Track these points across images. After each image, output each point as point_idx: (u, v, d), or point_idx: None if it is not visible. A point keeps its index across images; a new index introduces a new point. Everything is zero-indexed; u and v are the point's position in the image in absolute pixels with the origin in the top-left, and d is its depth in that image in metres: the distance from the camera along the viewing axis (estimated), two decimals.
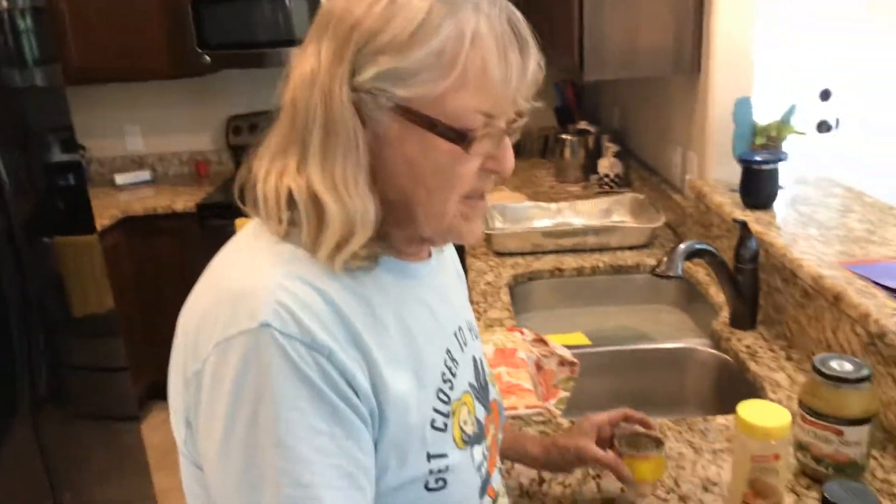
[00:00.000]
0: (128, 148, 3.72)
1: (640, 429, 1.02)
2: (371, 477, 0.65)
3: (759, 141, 1.82)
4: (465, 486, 0.74)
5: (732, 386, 1.45)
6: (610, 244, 2.07)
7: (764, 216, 1.67)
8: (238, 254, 0.71)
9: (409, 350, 0.71)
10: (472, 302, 1.79)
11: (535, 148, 3.46)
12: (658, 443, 1.00)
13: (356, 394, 0.63)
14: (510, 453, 1.03)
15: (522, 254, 2.08)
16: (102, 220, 2.91)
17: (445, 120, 0.65)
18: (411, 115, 0.65)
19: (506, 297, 1.81)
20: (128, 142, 3.71)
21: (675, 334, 1.79)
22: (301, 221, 0.66)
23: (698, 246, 1.45)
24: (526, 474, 1.09)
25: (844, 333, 1.25)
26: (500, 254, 2.10)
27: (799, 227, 1.58)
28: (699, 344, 1.59)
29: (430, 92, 0.64)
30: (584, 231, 2.07)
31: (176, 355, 0.68)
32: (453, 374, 0.76)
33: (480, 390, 0.83)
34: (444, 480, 0.71)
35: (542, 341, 1.52)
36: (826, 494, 0.79)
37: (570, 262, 2.01)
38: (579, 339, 1.75)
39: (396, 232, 0.73)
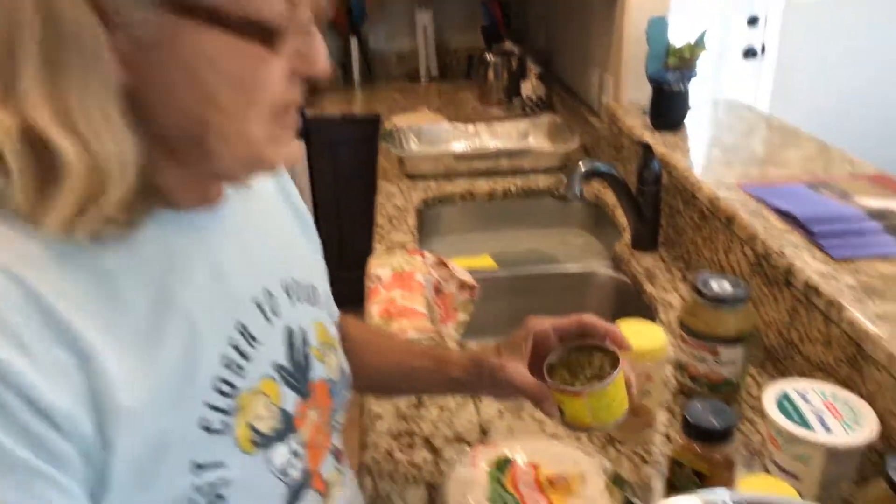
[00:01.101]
0: None
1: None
2: None
3: (672, 62, 1.78)
4: (256, 499, 0.59)
5: (628, 307, 1.45)
6: (523, 167, 2.03)
7: (671, 138, 1.64)
8: None
9: (167, 332, 0.53)
10: (375, 225, 1.73)
11: (460, 69, 3.36)
12: (612, 365, 0.72)
13: (48, 419, 0.46)
14: (436, 388, 0.89)
15: (435, 177, 2.03)
16: None
17: (236, 9, 0.48)
18: (186, 6, 0.47)
19: (412, 221, 1.76)
20: None
21: (581, 257, 1.78)
22: (11, 174, 0.46)
23: (599, 167, 1.42)
24: (406, 398, 1.06)
25: (735, 255, 1.25)
26: (411, 176, 2.04)
27: (704, 149, 1.56)
28: (601, 266, 1.59)
29: None
30: (497, 154, 2.03)
31: None
32: (245, 357, 0.59)
33: (295, 372, 0.65)
34: (221, 496, 0.55)
35: (443, 264, 1.48)
36: (686, 414, 0.78)
37: (482, 185, 1.97)
38: (486, 262, 1.73)
39: (174, 172, 0.55)
